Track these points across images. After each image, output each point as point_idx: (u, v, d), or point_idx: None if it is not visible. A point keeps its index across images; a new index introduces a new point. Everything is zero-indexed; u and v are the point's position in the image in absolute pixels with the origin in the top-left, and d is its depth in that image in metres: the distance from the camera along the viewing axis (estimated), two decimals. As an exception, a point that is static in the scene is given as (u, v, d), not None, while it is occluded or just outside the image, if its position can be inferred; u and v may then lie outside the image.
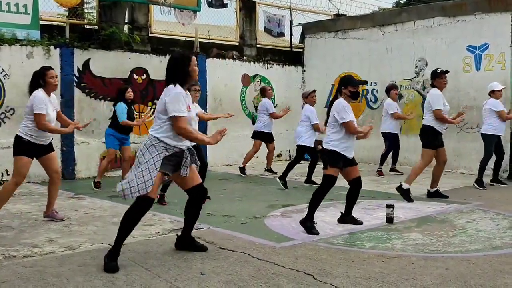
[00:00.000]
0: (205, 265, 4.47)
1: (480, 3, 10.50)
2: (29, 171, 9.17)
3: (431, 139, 7.61)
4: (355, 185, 6.01)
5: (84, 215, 6.61)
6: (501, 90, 8.88)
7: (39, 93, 5.89)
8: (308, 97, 9.17)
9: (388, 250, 4.98)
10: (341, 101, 5.83)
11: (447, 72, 7.64)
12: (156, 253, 4.87)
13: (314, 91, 9.30)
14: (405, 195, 7.49)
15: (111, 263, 4.37)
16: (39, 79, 5.95)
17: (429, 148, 7.61)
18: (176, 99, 4.46)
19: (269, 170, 10.82)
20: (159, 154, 4.45)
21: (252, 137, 10.79)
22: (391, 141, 10.55)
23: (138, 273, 4.25)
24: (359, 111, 12.71)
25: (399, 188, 7.60)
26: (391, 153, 10.66)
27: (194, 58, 4.74)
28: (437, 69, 7.80)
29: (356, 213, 6.43)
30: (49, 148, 6.14)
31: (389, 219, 6.09)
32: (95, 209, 6.98)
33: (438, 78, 7.58)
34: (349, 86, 5.84)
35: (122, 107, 8.60)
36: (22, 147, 5.91)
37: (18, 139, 5.95)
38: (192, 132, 4.55)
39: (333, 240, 5.36)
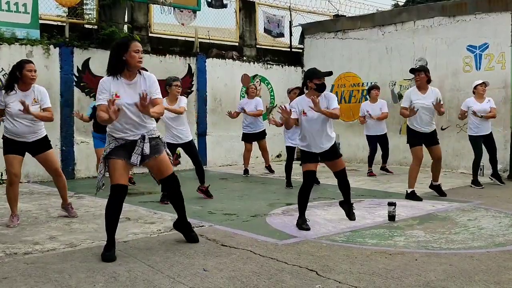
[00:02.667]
0: (207, 262, 4.44)
1: (480, 3, 10.51)
2: (27, 171, 9.34)
3: (409, 137, 7.64)
4: (339, 177, 5.99)
5: (85, 213, 6.58)
6: (481, 84, 8.85)
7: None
8: (291, 93, 8.98)
9: (391, 247, 4.96)
10: (297, 98, 5.89)
11: (418, 70, 7.59)
12: (158, 250, 4.84)
13: (298, 87, 9.08)
14: (412, 197, 7.43)
15: (105, 253, 4.51)
16: (17, 71, 5.84)
17: (411, 147, 7.60)
18: (97, 91, 4.63)
19: (268, 168, 10.78)
20: (109, 144, 4.65)
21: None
22: (373, 143, 10.51)
23: (141, 270, 4.23)
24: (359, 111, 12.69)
25: (406, 196, 7.53)
26: (381, 153, 10.63)
27: (134, 44, 4.59)
28: (414, 67, 7.81)
29: (357, 211, 6.42)
30: (42, 146, 6.02)
31: (391, 217, 6.06)
32: (96, 208, 6.95)
33: (414, 75, 7.59)
34: (314, 79, 5.73)
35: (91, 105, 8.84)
36: (4, 145, 5.93)
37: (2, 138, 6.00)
38: (101, 117, 4.48)
39: (335, 237, 5.33)
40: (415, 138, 7.55)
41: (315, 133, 5.74)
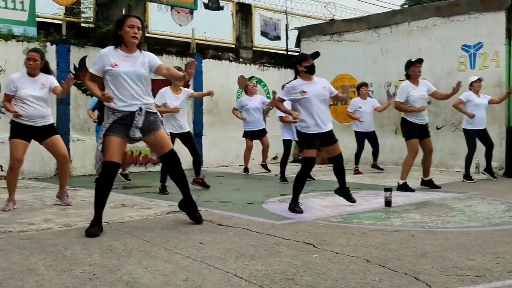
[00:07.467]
0: (204, 237, 4.43)
1: (474, 3, 10.60)
2: (22, 168, 9.20)
3: (406, 130, 7.62)
4: (337, 161, 6.03)
5: (81, 201, 6.56)
6: (476, 81, 8.93)
7: (14, 74, 6.11)
8: None
9: (387, 226, 4.96)
10: (290, 85, 5.96)
11: (421, 60, 7.61)
12: (155, 228, 4.83)
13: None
14: (405, 189, 7.41)
15: (90, 228, 4.54)
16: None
17: (408, 139, 7.59)
18: (94, 60, 4.80)
19: (264, 166, 10.75)
20: (108, 119, 4.66)
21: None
22: (361, 140, 10.52)
23: (137, 243, 4.21)
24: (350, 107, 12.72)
25: (398, 187, 7.50)
26: (372, 150, 10.64)
27: (129, 19, 4.74)
28: (411, 59, 7.79)
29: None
30: (48, 131, 6.06)
31: (388, 203, 6.06)
32: (91, 197, 6.82)
33: (413, 66, 7.53)
34: (303, 62, 5.87)
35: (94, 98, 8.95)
36: (12, 129, 6.00)
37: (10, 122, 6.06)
38: (89, 85, 4.76)
39: (332, 218, 5.33)
40: (412, 131, 7.55)
41: (320, 110, 5.81)
